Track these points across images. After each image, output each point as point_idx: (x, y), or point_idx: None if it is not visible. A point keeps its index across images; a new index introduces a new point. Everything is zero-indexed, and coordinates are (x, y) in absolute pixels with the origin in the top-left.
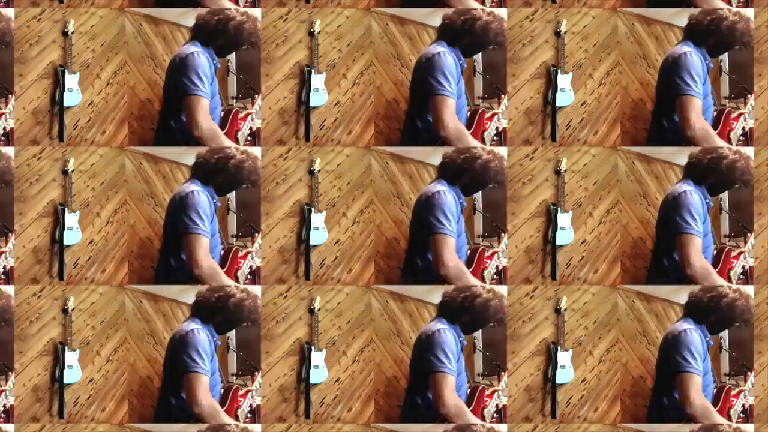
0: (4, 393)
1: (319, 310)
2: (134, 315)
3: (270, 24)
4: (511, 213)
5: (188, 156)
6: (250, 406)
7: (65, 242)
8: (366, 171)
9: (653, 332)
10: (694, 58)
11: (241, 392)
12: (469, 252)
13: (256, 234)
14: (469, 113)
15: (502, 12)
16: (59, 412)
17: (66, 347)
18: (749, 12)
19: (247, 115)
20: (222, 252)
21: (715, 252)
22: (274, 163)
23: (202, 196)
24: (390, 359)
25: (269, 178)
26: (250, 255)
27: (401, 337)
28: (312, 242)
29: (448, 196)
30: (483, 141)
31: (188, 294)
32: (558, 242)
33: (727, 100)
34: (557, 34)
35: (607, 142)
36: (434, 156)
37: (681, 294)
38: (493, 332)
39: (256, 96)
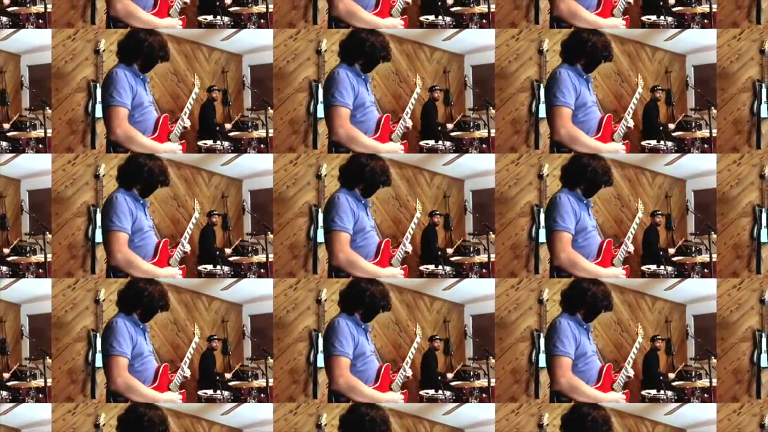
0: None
1: (325, 300)
2: None
3: (281, 43)
4: (498, 213)
5: (207, 162)
6: (183, 377)
7: (97, 239)
8: None
9: (626, 320)
10: (564, 75)
11: (171, 371)
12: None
13: (269, 232)
14: (378, 120)
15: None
16: (91, 392)
17: (97, 334)
18: (605, 29)
19: (176, 120)
20: (156, 244)
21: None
22: (285, 168)
23: (120, 198)
24: (390, 345)
25: (281, 181)
26: (180, 243)
27: (399, 325)
28: (319, 239)
29: (341, 198)
30: (391, 141)
31: (207, 287)
32: (541, 239)
33: (693, 112)
34: (540, 51)
35: None
36: (430, 161)
37: (653, 287)
38: (481, 320)
39: (269, 108)
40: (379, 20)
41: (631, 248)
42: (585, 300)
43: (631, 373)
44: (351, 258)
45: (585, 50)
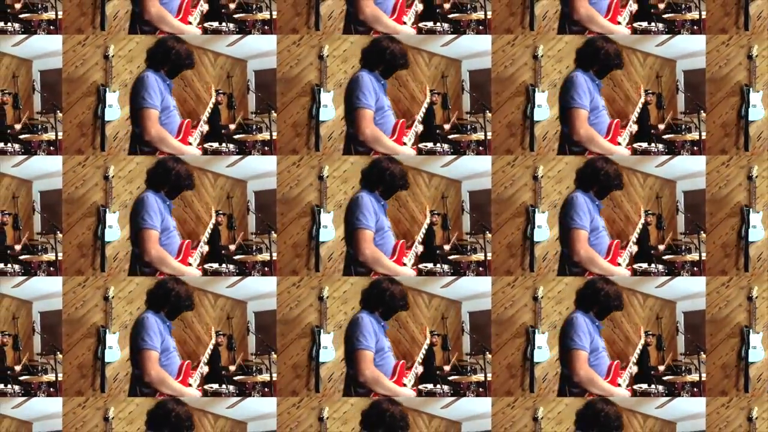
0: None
1: (327, 297)
2: None
3: (284, 48)
4: (495, 213)
5: (213, 163)
6: (201, 374)
7: (106, 239)
8: None
9: (619, 317)
10: (580, 79)
11: (193, 365)
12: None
13: (273, 232)
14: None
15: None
16: (101, 387)
17: (107, 330)
18: (616, 36)
19: (197, 124)
20: (180, 244)
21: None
22: (288, 170)
23: (150, 198)
24: (390, 341)
25: (284, 182)
26: (200, 243)
27: (399, 321)
28: (321, 239)
29: (365, 198)
30: (404, 145)
31: (213, 284)
32: (535, 239)
33: (683, 115)
34: (535, 57)
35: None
36: (429, 163)
37: (644, 284)
38: (478, 316)
39: (273, 111)
40: (398, 26)
41: (635, 249)
42: (598, 299)
43: (635, 370)
44: (376, 255)
45: (598, 57)
